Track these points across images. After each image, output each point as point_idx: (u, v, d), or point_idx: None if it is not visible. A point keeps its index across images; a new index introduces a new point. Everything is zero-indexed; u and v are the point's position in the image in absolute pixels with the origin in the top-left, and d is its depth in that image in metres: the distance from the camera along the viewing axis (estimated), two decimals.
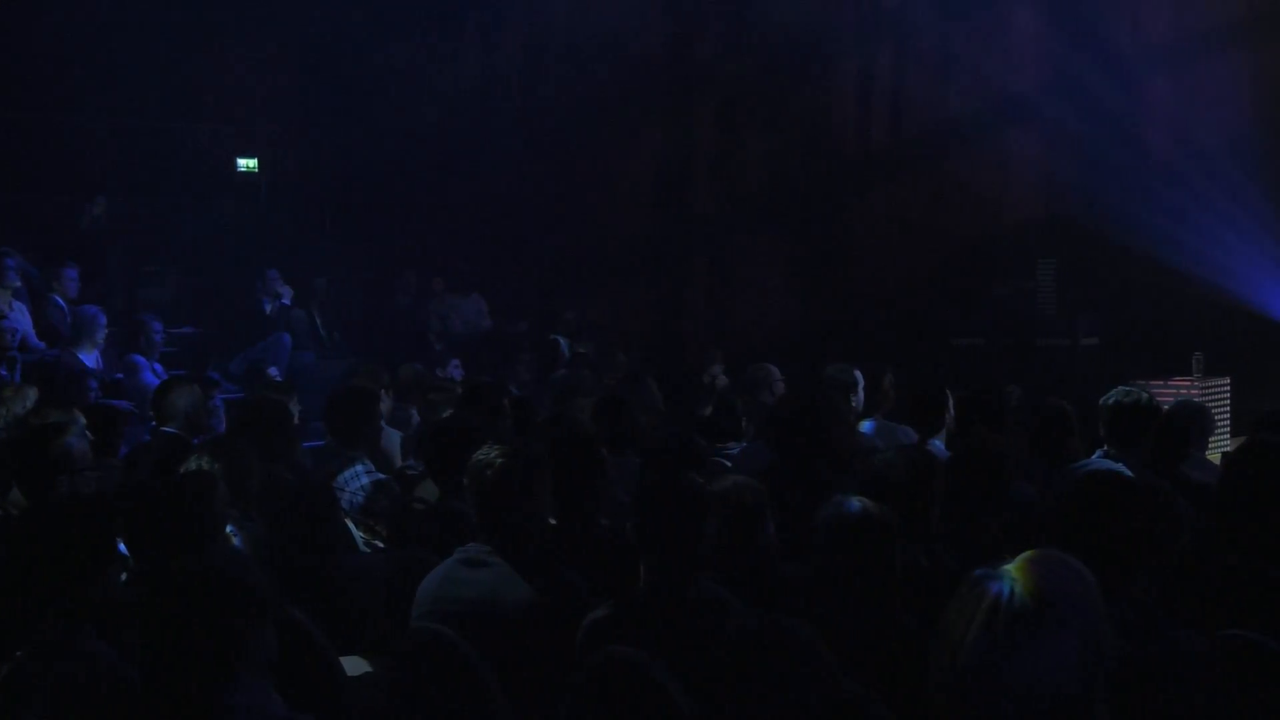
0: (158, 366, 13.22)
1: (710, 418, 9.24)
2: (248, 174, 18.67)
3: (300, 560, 5.83)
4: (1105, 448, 7.59)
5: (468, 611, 5.07)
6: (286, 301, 15.75)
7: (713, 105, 19.55)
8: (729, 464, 7.94)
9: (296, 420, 8.84)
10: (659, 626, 4.65)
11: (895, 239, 18.31)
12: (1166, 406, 8.11)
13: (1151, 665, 3.91)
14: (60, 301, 13.86)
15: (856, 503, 4.73)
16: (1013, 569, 2.72)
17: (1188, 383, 13.90)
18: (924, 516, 5.73)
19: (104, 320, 12.96)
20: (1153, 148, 16.74)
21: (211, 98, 18.40)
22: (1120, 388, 7.83)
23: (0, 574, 4.46)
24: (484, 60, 20.12)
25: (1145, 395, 7.79)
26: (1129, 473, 6.09)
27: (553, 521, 5.86)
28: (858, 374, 9.87)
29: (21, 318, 13.12)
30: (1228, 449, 10.55)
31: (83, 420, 7.15)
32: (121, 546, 5.04)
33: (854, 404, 9.62)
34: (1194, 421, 7.94)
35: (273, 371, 13.72)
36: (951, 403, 8.56)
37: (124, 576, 4.97)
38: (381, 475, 7.92)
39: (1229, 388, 14.30)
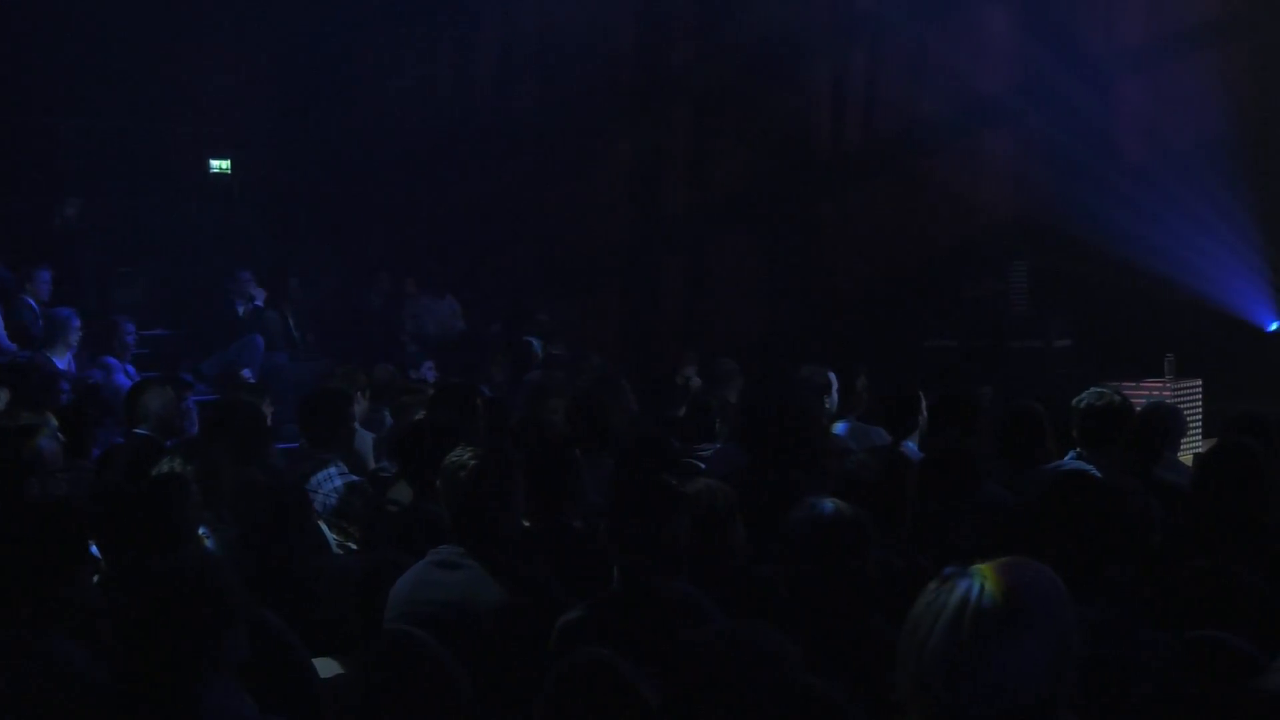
0: (130, 368, 13.20)
1: (684, 419, 9.25)
2: (220, 175, 18.62)
3: (273, 562, 5.82)
4: (1078, 449, 7.61)
5: (441, 613, 5.07)
6: (259, 303, 15.72)
7: (686, 107, 19.55)
8: (702, 465, 7.95)
9: (269, 422, 8.84)
10: (632, 628, 4.66)
11: (868, 241, 18.32)
12: (1139, 408, 8.13)
13: (1121, 666, 3.92)
14: (32, 303, 13.82)
15: (830, 504, 4.72)
16: (983, 569, 2.72)
17: (1160, 384, 13.93)
18: (897, 518, 5.74)
19: (77, 323, 12.93)
20: (1125, 150, 16.80)
21: (184, 99, 18.32)
22: (1093, 389, 7.85)
23: None
24: (457, 62, 20.10)
25: (1118, 397, 7.81)
26: (1099, 474, 6.11)
27: (526, 523, 5.86)
28: (831, 376, 9.90)
29: None
30: (1200, 450, 10.60)
31: (54, 422, 7.14)
32: (94, 548, 5.03)
33: (827, 406, 9.64)
34: (1166, 423, 7.95)
35: (245, 373, 13.70)
36: (924, 404, 8.58)
37: (96, 578, 4.95)
38: (355, 477, 7.92)
39: (1201, 389, 14.33)
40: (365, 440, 9.62)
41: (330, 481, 7.69)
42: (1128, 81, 17.17)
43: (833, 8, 18.67)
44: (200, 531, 5.92)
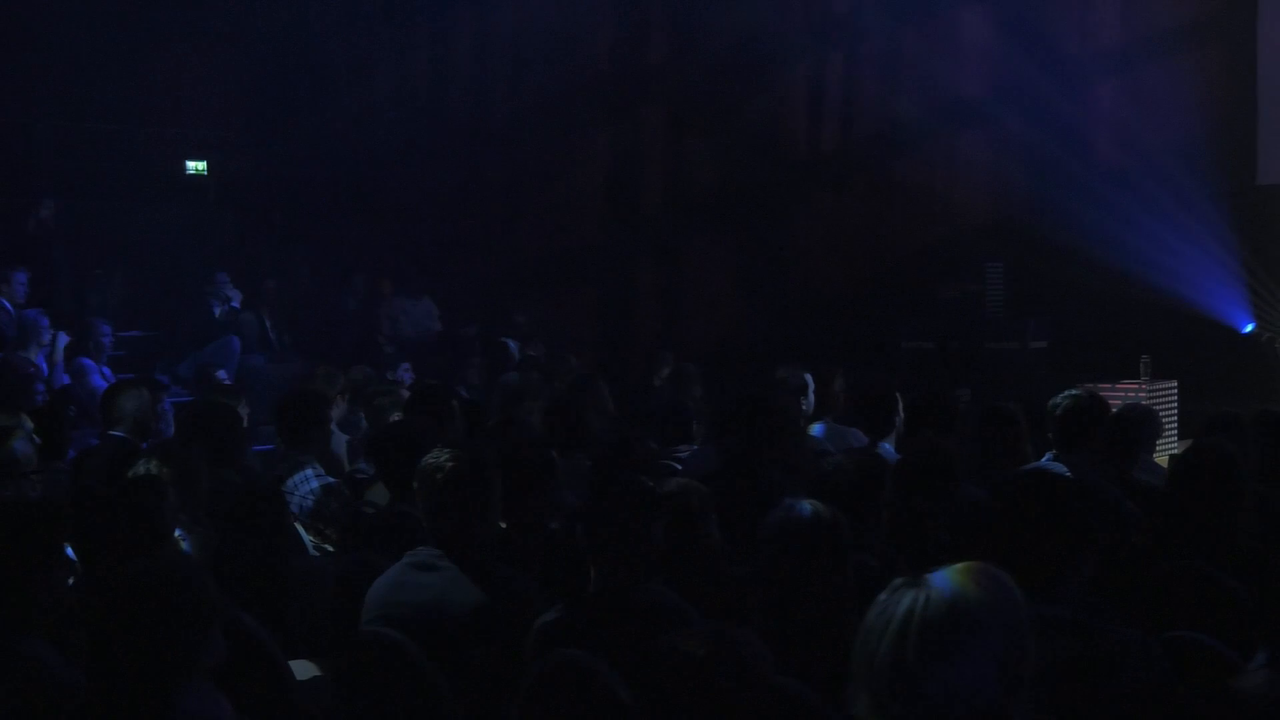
0: (106, 370, 13.16)
1: (660, 420, 9.24)
2: (196, 177, 18.57)
3: (249, 564, 5.81)
4: (1054, 450, 7.63)
5: (417, 615, 5.06)
6: (235, 304, 15.68)
7: (662, 108, 19.55)
8: (679, 467, 7.94)
9: (245, 424, 8.81)
10: (608, 630, 4.66)
11: (844, 242, 18.35)
12: (1115, 410, 8.14)
13: (1091, 664, 3.93)
14: (8, 305, 13.76)
15: (808, 506, 4.71)
16: (929, 577, 2.73)
17: (1136, 386, 13.97)
18: (874, 520, 5.75)
19: (46, 323, 12.91)
20: (1100, 152, 16.86)
21: (160, 100, 18.29)
22: (1069, 391, 7.85)
23: None
24: (433, 64, 20.07)
25: (1094, 398, 7.83)
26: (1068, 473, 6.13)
27: (503, 525, 5.85)
28: (808, 377, 9.91)
29: None
30: (1175, 452, 10.63)
31: (29, 424, 7.11)
32: (69, 551, 5.01)
33: (804, 407, 9.64)
34: (1142, 425, 7.97)
35: (221, 375, 13.64)
36: (901, 406, 8.58)
37: (71, 581, 4.94)
38: (331, 479, 7.90)
39: (1176, 391, 14.37)
40: (341, 442, 9.60)
41: (307, 483, 7.67)
42: (1103, 84, 17.24)
43: (808, 10, 18.72)
44: (176, 533, 5.90)
